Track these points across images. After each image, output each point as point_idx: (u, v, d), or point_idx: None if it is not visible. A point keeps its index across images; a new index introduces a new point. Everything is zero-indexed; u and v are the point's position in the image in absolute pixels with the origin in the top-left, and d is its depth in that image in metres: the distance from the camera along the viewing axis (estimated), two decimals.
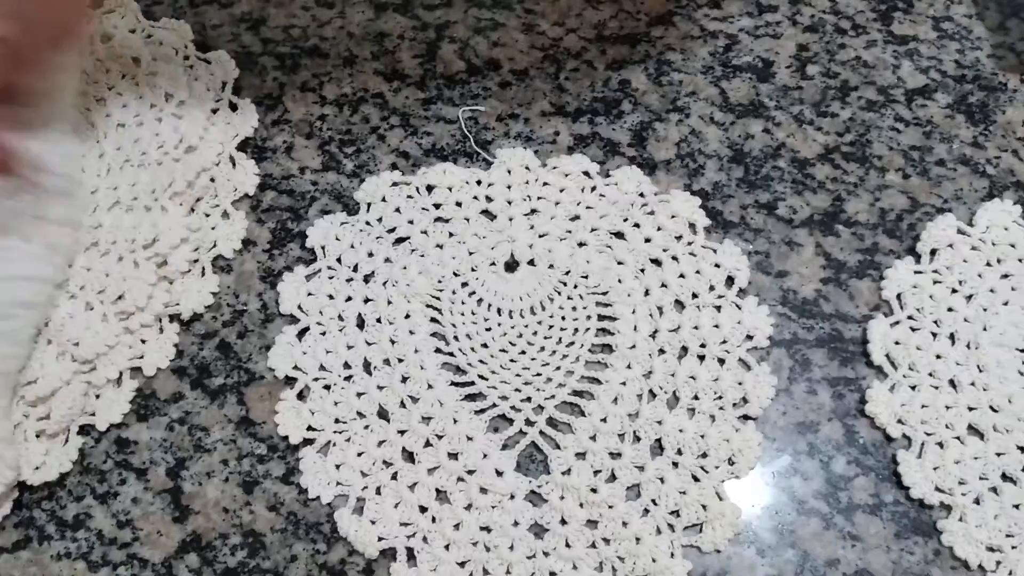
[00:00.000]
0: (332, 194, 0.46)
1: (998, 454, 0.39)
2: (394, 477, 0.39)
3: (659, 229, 0.45)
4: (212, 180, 0.46)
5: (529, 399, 0.40)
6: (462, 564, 0.37)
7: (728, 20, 0.52)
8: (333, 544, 0.37)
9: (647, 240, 0.44)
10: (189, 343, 0.42)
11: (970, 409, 0.40)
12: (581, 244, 0.44)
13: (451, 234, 0.45)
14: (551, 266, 0.44)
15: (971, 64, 0.51)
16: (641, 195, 0.46)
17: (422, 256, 0.44)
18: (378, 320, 0.42)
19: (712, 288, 0.43)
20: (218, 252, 0.44)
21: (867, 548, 0.37)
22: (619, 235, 0.45)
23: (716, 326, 0.42)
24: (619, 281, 0.43)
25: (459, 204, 0.46)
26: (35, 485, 0.38)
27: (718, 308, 0.42)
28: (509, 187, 0.46)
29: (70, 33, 0.41)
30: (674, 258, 0.44)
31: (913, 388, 0.40)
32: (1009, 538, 0.37)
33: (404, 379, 0.41)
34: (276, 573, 0.37)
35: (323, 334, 0.42)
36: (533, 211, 0.45)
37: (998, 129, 0.48)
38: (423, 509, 0.38)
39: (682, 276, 0.43)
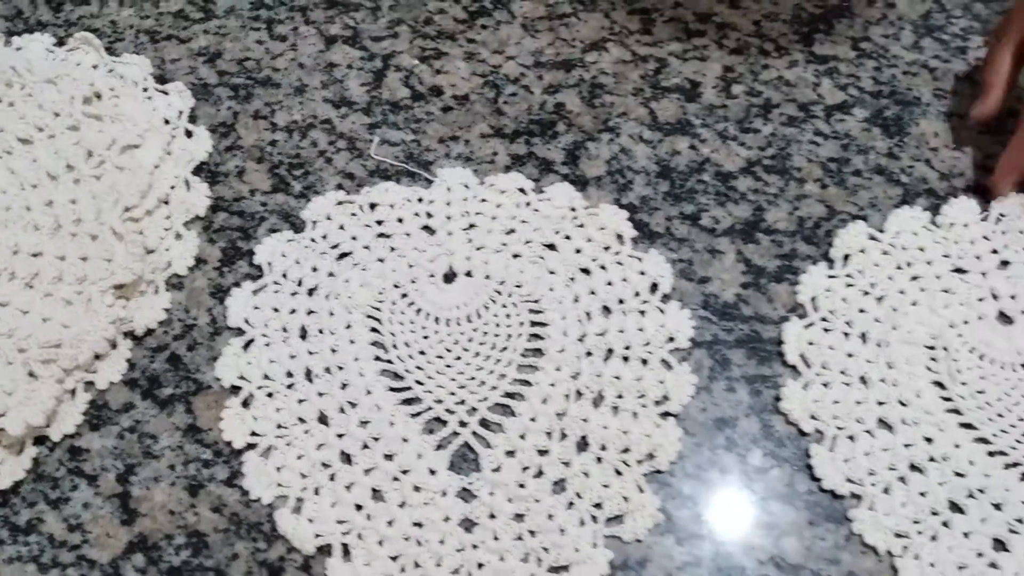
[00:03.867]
0: (280, 214, 0.49)
1: (906, 445, 0.41)
2: (332, 478, 0.40)
3: (589, 240, 0.47)
4: (166, 203, 0.49)
5: (463, 402, 0.43)
6: (395, 558, 0.39)
7: (658, 45, 0.55)
8: (273, 542, 0.39)
9: (577, 251, 0.47)
10: (141, 356, 0.44)
11: (879, 404, 0.42)
12: (516, 256, 0.47)
13: (392, 248, 0.47)
14: (487, 277, 0.46)
15: (887, 80, 0.53)
16: (572, 209, 0.48)
17: (364, 270, 0.46)
18: (320, 331, 0.44)
19: (637, 294, 0.45)
20: (172, 272, 0.47)
21: (781, 535, 0.39)
22: (551, 247, 0.47)
23: (640, 329, 0.44)
24: (550, 289, 0.45)
25: (400, 220, 0.48)
26: None
27: (643, 312, 0.45)
28: (448, 203, 0.48)
29: None
30: (602, 267, 0.46)
31: (825, 385, 0.42)
32: (915, 524, 0.39)
33: (344, 386, 0.43)
34: (218, 571, 0.39)
35: (267, 345, 0.44)
36: (471, 226, 0.48)
37: (912, 140, 0.51)
38: (359, 507, 0.40)
39: (609, 284, 0.46)
